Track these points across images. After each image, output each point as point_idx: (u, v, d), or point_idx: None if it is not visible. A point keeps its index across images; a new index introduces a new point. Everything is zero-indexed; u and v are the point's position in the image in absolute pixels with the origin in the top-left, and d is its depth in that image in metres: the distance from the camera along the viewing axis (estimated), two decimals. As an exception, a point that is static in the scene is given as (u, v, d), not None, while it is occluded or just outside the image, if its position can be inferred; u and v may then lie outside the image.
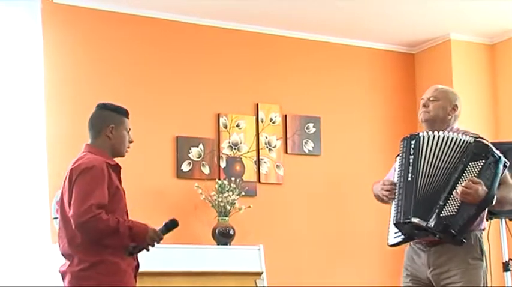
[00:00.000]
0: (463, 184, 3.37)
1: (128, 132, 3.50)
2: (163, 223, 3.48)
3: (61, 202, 3.37)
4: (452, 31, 6.39)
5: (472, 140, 3.51)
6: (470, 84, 6.49)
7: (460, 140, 3.50)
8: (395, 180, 3.60)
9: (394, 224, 3.49)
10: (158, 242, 3.41)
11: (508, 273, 5.35)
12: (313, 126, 6.25)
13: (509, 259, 5.37)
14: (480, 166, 3.44)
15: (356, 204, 6.17)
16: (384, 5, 5.80)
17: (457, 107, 3.74)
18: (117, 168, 3.43)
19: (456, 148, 3.49)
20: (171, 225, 3.49)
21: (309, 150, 6.22)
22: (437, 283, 3.56)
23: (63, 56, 5.50)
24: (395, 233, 3.55)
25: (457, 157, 3.48)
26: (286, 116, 6.17)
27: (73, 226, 3.22)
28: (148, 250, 3.40)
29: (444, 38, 6.47)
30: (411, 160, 3.51)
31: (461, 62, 6.47)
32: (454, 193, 3.39)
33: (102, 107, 3.50)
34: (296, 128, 6.19)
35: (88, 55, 5.58)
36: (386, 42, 6.62)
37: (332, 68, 6.45)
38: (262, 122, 6.07)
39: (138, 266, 3.46)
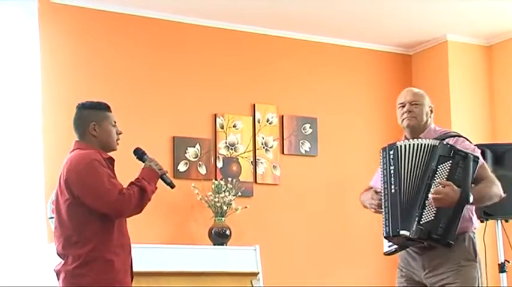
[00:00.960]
0: (432, 190, 3.38)
1: (114, 125, 3.49)
2: (137, 157, 3.61)
3: (56, 202, 3.37)
4: (449, 32, 6.40)
5: (437, 143, 3.49)
6: (467, 85, 6.50)
7: (428, 145, 3.49)
8: (380, 190, 3.62)
9: (384, 237, 3.53)
10: (159, 164, 3.54)
11: (504, 274, 5.35)
12: (310, 127, 6.25)
13: (505, 260, 5.37)
14: (448, 168, 3.42)
15: (352, 205, 6.13)
16: (381, 6, 5.81)
17: (433, 109, 3.75)
18: (111, 161, 3.44)
19: (425, 153, 3.49)
20: (137, 153, 3.61)
21: (305, 151, 6.22)
22: (432, 285, 3.57)
23: (60, 55, 5.50)
24: (389, 243, 3.60)
25: (426, 162, 3.47)
26: (283, 116, 6.17)
27: (112, 215, 3.28)
28: (166, 172, 3.57)
29: (441, 39, 6.48)
30: (392, 171, 3.52)
31: (458, 64, 6.48)
32: (429, 198, 3.40)
33: (81, 107, 3.49)
34: (293, 128, 6.19)
35: (85, 55, 5.58)
36: (383, 43, 6.63)
37: (329, 68, 6.45)
38: (259, 122, 6.07)
39: (131, 263, 3.45)
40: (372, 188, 3.79)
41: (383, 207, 3.54)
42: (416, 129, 3.66)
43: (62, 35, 5.52)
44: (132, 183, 3.40)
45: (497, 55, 6.57)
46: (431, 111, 3.72)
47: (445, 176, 3.41)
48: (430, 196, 3.38)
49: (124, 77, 5.68)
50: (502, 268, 5.34)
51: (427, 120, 3.68)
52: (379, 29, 6.31)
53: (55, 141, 5.20)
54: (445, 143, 3.49)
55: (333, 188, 6.26)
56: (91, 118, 3.43)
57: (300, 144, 6.21)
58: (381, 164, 3.60)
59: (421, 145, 3.50)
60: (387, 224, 3.49)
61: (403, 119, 3.68)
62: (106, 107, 3.50)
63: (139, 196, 3.35)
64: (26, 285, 4.90)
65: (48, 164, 5.09)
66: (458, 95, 6.45)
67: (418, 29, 6.32)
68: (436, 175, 3.43)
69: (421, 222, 3.39)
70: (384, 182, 3.56)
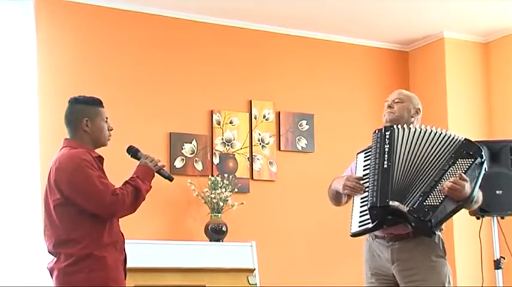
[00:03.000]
0: (452, 179, 3.42)
1: (106, 121, 3.46)
2: (131, 155, 3.58)
3: (46, 201, 3.35)
4: (446, 29, 6.40)
5: (462, 138, 3.58)
6: (464, 82, 6.50)
7: (450, 136, 3.57)
8: (364, 170, 3.64)
9: (369, 208, 3.49)
10: (154, 160, 3.50)
11: (500, 271, 5.36)
12: (307, 124, 6.25)
13: (501, 256, 5.38)
14: (468, 165, 3.49)
15: (349, 201, 6.16)
16: (378, 3, 5.81)
17: (420, 111, 3.82)
18: (100, 159, 3.41)
19: (444, 143, 3.55)
20: (130, 150, 3.58)
21: (302, 147, 6.22)
22: (401, 279, 3.58)
23: (57, 51, 5.49)
24: (361, 221, 3.54)
25: (445, 151, 3.53)
26: (279, 113, 6.17)
27: (108, 216, 3.27)
28: (164, 166, 3.54)
29: (438, 36, 6.48)
30: (386, 149, 3.57)
31: (454, 60, 6.48)
32: (440, 185, 3.44)
33: (74, 102, 3.45)
34: (289, 125, 6.19)
35: (81, 51, 5.57)
36: (381, 40, 6.63)
37: (326, 65, 6.45)
38: (255, 118, 6.07)
39: (126, 259, 3.44)
40: None
41: (370, 181, 3.54)
42: (395, 124, 3.70)
43: (58, 30, 5.51)
44: (126, 182, 3.37)
45: (493, 52, 6.57)
46: (417, 113, 3.79)
47: (463, 172, 3.47)
48: (445, 182, 3.42)
49: (121, 73, 5.67)
50: (497, 265, 5.35)
51: (408, 119, 3.74)
52: (376, 25, 6.31)
53: (51, 138, 5.17)
54: (474, 142, 3.57)
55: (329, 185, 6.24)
56: (83, 114, 3.39)
57: (297, 140, 6.21)
58: (373, 143, 3.65)
59: (437, 132, 3.57)
60: (374, 195, 3.48)
61: (384, 115, 3.81)
62: (99, 103, 3.46)
63: (133, 195, 3.32)
64: (21, 284, 4.88)
65: (45, 162, 5.05)
66: (455, 92, 6.45)
67: (415, 26, 6.33)
68: (453, 167, 3.48)
69: (424, 202, 3.41)
70: (374, 159, 3.58)
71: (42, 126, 5.21)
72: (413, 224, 3.45)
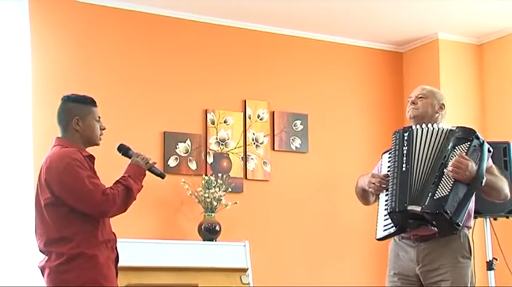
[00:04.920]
0: (453, 159, 3.41)
1: (98, 120, 3.45)
2: (122, 153, 3.55)
3: (37, 199, 3.34)
4: (440, 30, 6.41)
5: (455, 127, 3.58)
6: (458, 83, 6.52)
7: (444, 129, 3.57)
8: (387, 172, 3.61)
9: (389, 213, 3.47)
10: (146, 158, 3.48)
11: (492, 272, 5.38)
12: (301, 124, 6.26)
13: (493, 258, 5.40)
14: (466, 148, 3.48)
15: (343, 201, 6.18)
16: (372, 3, 5.81)
17: (444, 106, 3.79)
18: (91, 159, 3.40)
19: (442, 136, 3.54)
20: (121, 148, 3.56)
21: (296, 147, 6.23)
22: (426, 280, 3.56)
23: (51, 50, 5.48)
24: (385, 225, 3.53)
25: (443, 143, 3.52)
26: (273, 112, 6.17)
27: (97, 215, 3.25)
28: (155, 163, 3.53)
29: (432, 37, 6.49)
30: (405, 151, 3.55)
31: (448, 62, 6.49)
32: (445, 172, 3.42)
33: (66, 100, 3.45)
34: (283, 125, 6.19)
35: (75, 50, 5.56)
36: (375, 41, 6.64)
37: (320, 65, 6.46)
38: (249, 118, 6.07)
39: (117, 258, 3.44)
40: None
41: (390, 184, 3.53)
42: (419, 121, 3.69)
43: (52, 29, 5.50)
44: (117, 181, 3.36)
45: (487, 54, 6.59)
46: (441, 108, 3.76)
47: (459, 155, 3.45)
48: (448, 168, 3.40)
49: (115, 73, 5.67)
50: (490, 266, 5.37)
51: (433, 115, 3.72)
52: (371, 26, 6.32)
53: (45, 137, 5.13)
54: (466, 126, 3.58)
55: (323, 185, 6.27)
56: (75, 112, 3.39)
57: (291, 140, 6.21)
58: (392, 145, 3.62)
59: (437, 129, 3.57)
60: (393, 199, 3.46)
61: (408, 111, 3.77)
62: (91, 101, 3.45)
63: (124, 195, 3.31)
64: (13, 283, 4.87)
65: (38, 160, 5.03)
66: (449, 93, 6.42)
67: (410, 27, 6.34)
68: (452, 153, 3.48)
69: (434, 196, 3.39)
70: (394, 161, 3.57)
71: (36, 125, 5.20)
72: (434, 222, 3.43)
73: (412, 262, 3.59)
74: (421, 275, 3.58)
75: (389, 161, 3.63)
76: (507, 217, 5.38)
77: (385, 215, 3.52)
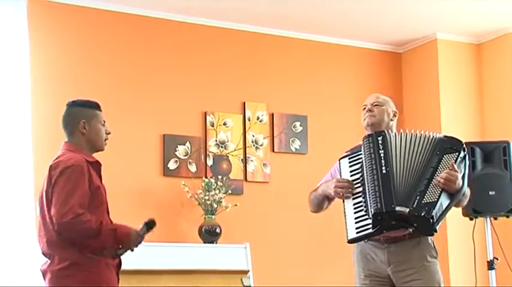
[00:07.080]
0: (446, 171, 3.46)
1: (103, 124, 3.46)
2: (144, 223, 3.41)
3: (41, 202, 3.34)
4: (438, 31, 6.41)
5: (442, 135, 3.63)
6: (457, 83, 6.52)
7: (430, 136, 3.60)
8: (355, 175, 3.62)
9: (373, 214, 3.47)
10: (141, 243, 3.40)
11: (493, 271, 5.37)
12: (300, 125, 6.26)
13: (494, 257, 5.39)
14: (454, 158, 3.53)
15: (342, 203, 6.17)
16: (371, 4, 5.82)
17: (397, 114, 3.88)
18: (97, 165, 3.39)
19: (428, 143, 3.58)
20: (151, 225, 3.42)
21: (295, 149, 6.22)
22: (398, 280, 3.61)
23: (49, 53, 5.48)
24: (360, 227, 3.53)
25: (430, 150, 3.56)
26: (273, 114, 6.17)
27: (55, 227, 3.19)
28: (132, 250, 3.39)
29: (431, 37, 6.49)
30: (382, 154, 3.57)
31: (447, 62, 6.50)
32: (434, 181, 3.46)
33: (72, 105, 3.46)
34: (283, 126, 6.19)
35: (74, 52, 5.56)
36: (374, 41, 6.64)
37: (319, 66, 6.46)
38: (249, 120, 6.07)
39: (120, 263, 3.44)
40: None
41: (371, 187, 3.52)
42: (377, 128, 3.75)
43: (51, 32, 5.50)
44: (110, 222, 3.31)
45: (486, 53, 6.59)
46: (395, 115, 3.84)
47: (450, 166, 3.49)
48: (438, 178, 3.45)
49: (114, 75, 5.67)
50: (490, 266, 5.36)
51: (388, 122, 3.79)
52: (369, 27, 6.32)
53: (45, 139, 5.18)
54: (454, 137, 3.62)
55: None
56: (81, 116, 3.40)
57: (290, 142, 6.21)
58: (365, 149, 3.64)
59: (420, 135, 3.59)
60: (377, 201, 3.46)
61: (364, 119, 3.84)
62: (96, 106, 3.48)
63: (93, 233, 3.19)
64: (14, 285, 4.87)
65: (38, 163, 5.07)
66: (448, 93, 6.47)
67: (408, 27, 6.34)
68: (441, 162, 3.52)
69: (422, 201, 3.43)
70: (371, 164, 3.57)
71: (35, 128, 5.20)
72: (415, 224, 3.46)
73: (383, 263, 3.63)
74: (393, 276, 3.62)
75: (354, 165, 3.66)
76: (507, 216, 5.38)
77: (358, 217, 3.54)
